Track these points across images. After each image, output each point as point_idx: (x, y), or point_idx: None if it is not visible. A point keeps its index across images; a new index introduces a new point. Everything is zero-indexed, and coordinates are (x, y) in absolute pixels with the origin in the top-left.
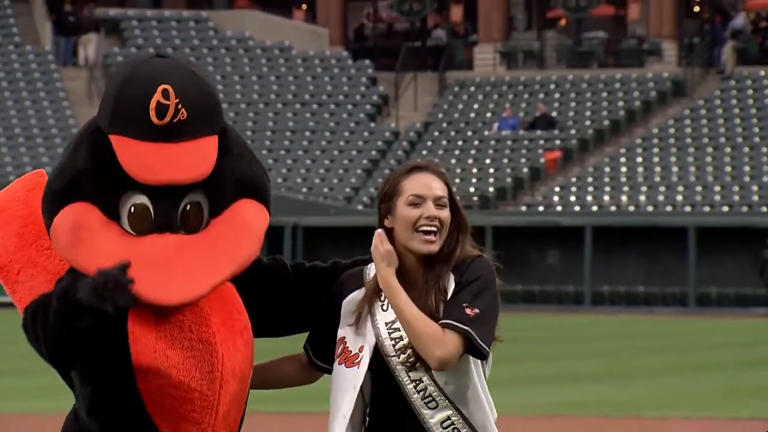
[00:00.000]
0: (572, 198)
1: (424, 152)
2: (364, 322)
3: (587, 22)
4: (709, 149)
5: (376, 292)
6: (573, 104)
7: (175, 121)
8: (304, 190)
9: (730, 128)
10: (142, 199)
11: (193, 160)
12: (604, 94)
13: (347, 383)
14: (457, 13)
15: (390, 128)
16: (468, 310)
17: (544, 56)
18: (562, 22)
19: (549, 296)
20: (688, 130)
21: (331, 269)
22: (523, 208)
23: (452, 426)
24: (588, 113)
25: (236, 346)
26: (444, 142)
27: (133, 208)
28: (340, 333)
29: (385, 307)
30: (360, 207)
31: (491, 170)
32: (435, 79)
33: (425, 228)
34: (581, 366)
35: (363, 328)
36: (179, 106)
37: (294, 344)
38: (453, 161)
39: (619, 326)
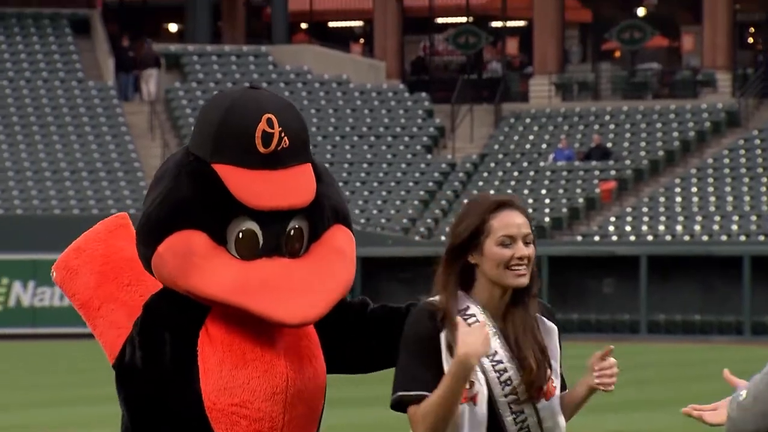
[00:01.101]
0: (627, 228)
1: (480, 183)
2: None
3: (641, 53)
4: (764, 179)
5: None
6: (628, 135)
7: (279, 149)
8: (362, 221)
9: None
10: (251, 225)
11: (298, 186)
12: (659, 125)
13: (473, 422)
14: (512, 45)
15: (446, 160)
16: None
17: (598, 88)
18: (617, 54)
19: (605, 325)
20: (743, 159)
21: (407, 311)
22: (579, 238)
23: None
24: (643, 144)
25: (303, 371)
26: (500, 173)
27: (241, 234)
28: (446, 367)
29: None
30: (417, 238)
31: (547, 200)
32: (491, 110)
33: (516, 266)
34: (637, 393)
35: None
36: (282, 135)
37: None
38: (509, 192)
39: (675, 354)
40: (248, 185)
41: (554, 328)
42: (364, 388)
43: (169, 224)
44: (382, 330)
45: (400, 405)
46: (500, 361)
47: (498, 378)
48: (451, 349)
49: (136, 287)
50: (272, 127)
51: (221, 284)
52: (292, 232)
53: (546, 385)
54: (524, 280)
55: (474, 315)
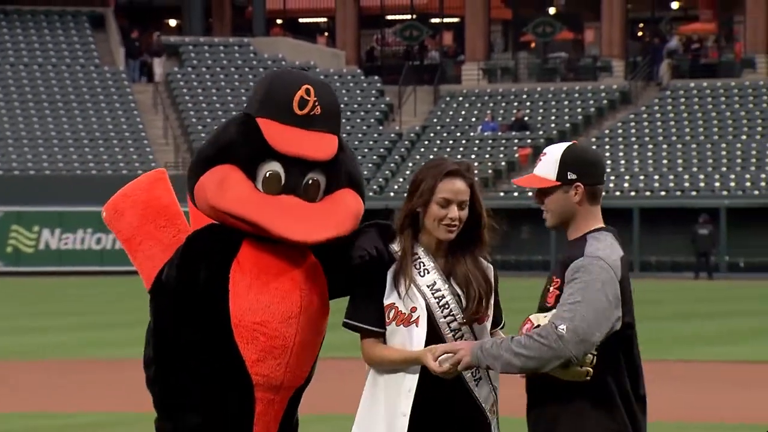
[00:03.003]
0: None
1: (422, 150)
2: (409, 287)
3: (552, 44)
4: (650, 146)
5: (411, 261)
6: (541, 111)
7: (311, 113)
8: None
9: (666, 129)
10: (277, 167)
11: (322, 144)
12: (566, 103)
13: (413, 341)
14: (448, 37)
15: (395, 131)
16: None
17: (518, 72)
18: (532, 45)
19: (523, 264)
20: (633, 131)
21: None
22: (501, 194)
23: (480, 375)
24: (553, 118)
25: (313, 302)
26: (438, 142)
27: (268, 173)
28: (387, 301)
29: (421, 273)
30: (370, 194)
31: (476, 164)
32: (431, 91)
33: (447, 225)
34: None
35: (410, 292)
36: (316, 104)
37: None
38: (445, 157)
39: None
40: (280, 135)
41: (490, 267)
42: None
43: (214, 159)
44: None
45: (347, 326)
46: (439, 290)
47: (437, 303)
48: (395, 281)
49: (169, 229)
50: (309, 95)
51: (244, 204)
52: (310, 181)
53: (483, 313)
54: (451, 236)
55: (419, 256)
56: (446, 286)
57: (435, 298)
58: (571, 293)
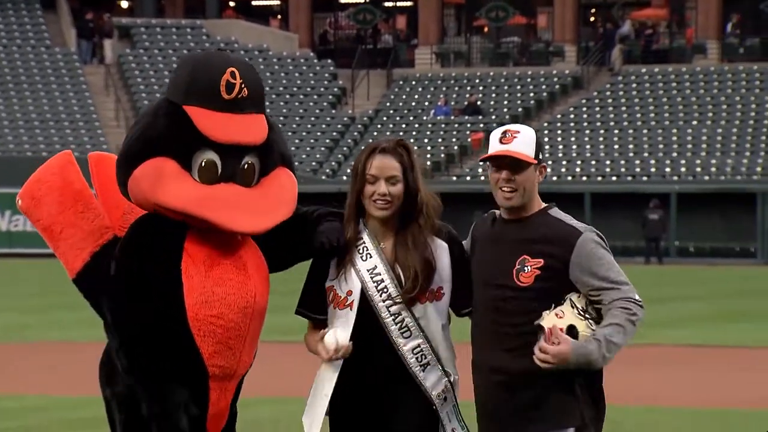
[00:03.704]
0: None
1: (375, 134)
2: (348, 271)
3: (505, 29)
4: (602, 131)
5: (354, 245)
6: (494, 95)
7: (239, 96)
8: None
9: (618, 114)
10: (212, 156)
11: (254, 127)
12: (519, 87)
13: (344, 323)
14: (401, 21)
15: (347, 114)
16: None
17: (471, 57)
18: (485, 29)
19: None
20: (585, 116)
21: (312, 216)
22: (454, 178)
23: (421, 353)
24: (506, 102)
25: (263, 289)
26: (391, 126)
27: (204, 162)
28: (328, 284)
29: (364, 258)
30: (323, 177)
31: (429, 148)
32: (384, 75)
33: (377, 200)
34: None
35: (348, 276)
36: (243, 86)
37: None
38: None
39: None
40: (212, 122)
41: (444, 246)
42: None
43: (144, 153)
44: (294, 231)
45: (298, 314)
46: (378, 274)
47: (376, 287)
48: (336, 265)
49: (87, 214)
50: (235, 78)
51: (185, 198)
52: (246, 166)
53: (420, 292)
54: (384, 213)
55: (364, 241)
56: (386, 268)
57: (374, 282)
58: (608, 268)
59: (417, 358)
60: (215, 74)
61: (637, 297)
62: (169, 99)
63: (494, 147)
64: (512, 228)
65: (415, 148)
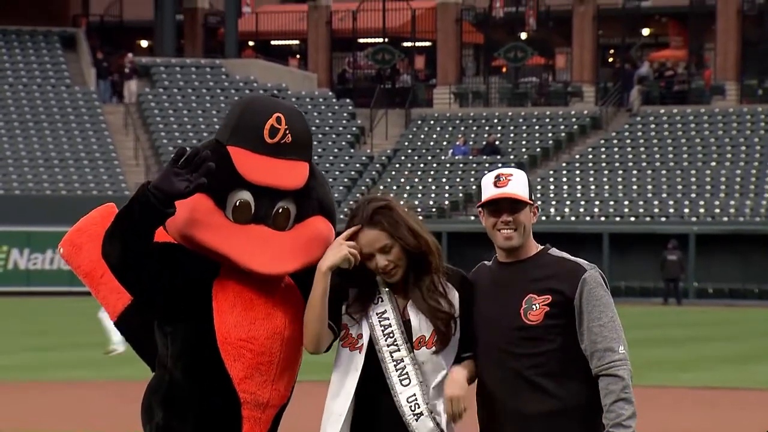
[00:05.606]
0: None
1: (393, 173)
2: (362, 314)
3: (523, 69)
4: (620, 171)
5: (371, 298)
6: (512, 135)
7: (282, 142)
8: None
9: (636, 155)
10: (246, 196)
11: (291, 173)
12: (537, 127)
13: (352, 365)
14: (420, 61)
15: (366, 153)
16: None
17: (489, 96)
18: (504, 69)
19: None
20: (603, 156)
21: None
22: (472, 218)
23: (415, 401)
24: (524, 142)
25: (295, 320)
26: (409, 165)
27: (238, 202)
28: (344, 320)
29: (376, 301)
30: (341, 216)
31: (447, 187)
32: (402, 114)
33: (384, 273)
34: None
35: (361, 319)
36: (287, 132)
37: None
38: (416, 180)
39: None
40: (250, 164)
41: (456, 294)
42: None
43: None
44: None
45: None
46: (387, 319)
47: (383, 332)
48: (353, 306)
49: None
50: (279, 124)
51: (213, 235)
52: (280, 210)
53: (425, 338)
54: (395, 279)
55: (381, 297)
56: (395, 315)
57: (381, 326)
58: (604, 323)
59: (410, 407)
60: (261, 118)
61: (622, 361)
62: (217, 138)
63: (491, 191)
64: (514, 270)
65: (433, 187)
